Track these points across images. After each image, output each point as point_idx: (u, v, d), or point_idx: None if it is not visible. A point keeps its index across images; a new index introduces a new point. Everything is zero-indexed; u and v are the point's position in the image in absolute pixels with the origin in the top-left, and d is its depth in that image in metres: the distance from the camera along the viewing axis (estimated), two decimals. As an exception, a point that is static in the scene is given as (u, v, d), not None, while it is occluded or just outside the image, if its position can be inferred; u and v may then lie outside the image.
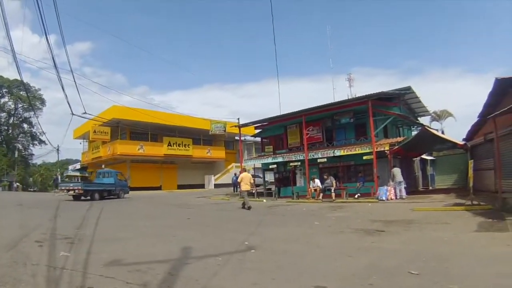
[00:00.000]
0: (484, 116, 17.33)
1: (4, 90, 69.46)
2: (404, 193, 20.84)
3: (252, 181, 21.85)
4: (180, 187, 48.74)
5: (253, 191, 27.89)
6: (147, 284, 5.77)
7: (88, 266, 6.93)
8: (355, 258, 7.50)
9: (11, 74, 62.18)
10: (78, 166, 65.62)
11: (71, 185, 29.46)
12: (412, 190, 24.68)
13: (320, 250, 8.58)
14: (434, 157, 31.79)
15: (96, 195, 28.72)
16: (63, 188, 29.61)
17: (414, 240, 9.13)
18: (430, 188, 30.64)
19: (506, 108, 12.42)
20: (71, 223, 13.65)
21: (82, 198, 27.88)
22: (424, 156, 31.67)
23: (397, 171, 21.13)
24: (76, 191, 27.61)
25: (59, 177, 59.95)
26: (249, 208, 19.20)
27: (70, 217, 16.06)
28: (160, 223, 14.90)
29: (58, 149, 63.20)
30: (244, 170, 22.82)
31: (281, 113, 29.74)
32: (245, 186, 20.07)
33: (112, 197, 30.99)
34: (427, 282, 5.51)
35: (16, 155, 67.72)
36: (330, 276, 6.17)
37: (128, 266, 7.03)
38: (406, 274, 5.93)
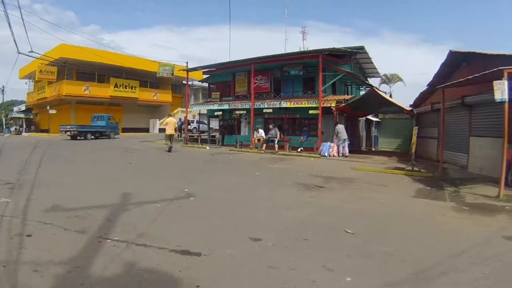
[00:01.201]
0: (434, 86, 17.74)
1: None
2: (347, 151, 20.66)
3: (176, 126, 23.20)
4: (125, 130, 46.29)
5: (178, 135, 30.44)
6: (85, 230, 5.80)
7: (27, 212, 6.85)
8: (293, 211, 7.65)
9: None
10: (23, 107, 62.28)
11: (68, 127, 33.15)
12: (355, 149, 24.54)
13: (259, 201, 8.69)
14: (379, 119, 31.69)
15: (89, 136, 32.86)
16: (62, 130, 33.23)
17: (352, 199, 9.24)
18: (373, 149, 30.77)
19: (456, 81, 12.64)
20: (13, 167, 13.06)
21: (78, 138, 31.92)
22: (369, 117, 31.52)
23: (341, 128, 20.86)
24: (72, 132, 31.96)
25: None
26: (170, 150, 20.98)
27: (12, 161, 15.54)
28: (102, 168, 14.74)
29: (3, 90, 60.32)
30: (169, 115, 24.72)
31: (230, 60, 28.56)
32: (169, 131, 21.42)
33: (104, 137, 34.32)
34: (362, 242, 5.63)
35: (-43, 95, 64.08)
36: (266, 228, 6.27)
37: (68, 212, 6.99)
38: (342, 233, 6.05)
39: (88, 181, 11.07)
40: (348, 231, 6.07)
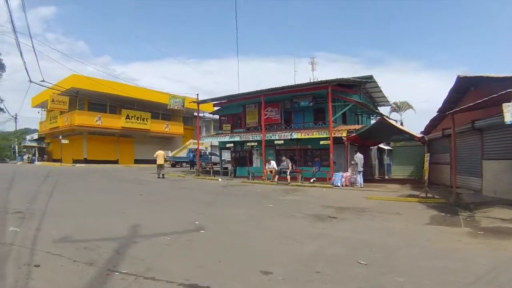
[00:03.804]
0: (444, 112, 17.61)
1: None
2: (361, 181, 20.37)
3: (165, 157, 28.23)
4: (137, 161, 47.07)
5: (165, 165, 31.97)
6: (93, 262, 5.73)
7: (37, 242, 6.86)
8: (304, 244, 7.51)
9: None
10: (35, 136, 62.89)
11: (168, 157, 38.57)
12: (368, 178, 24.25)
13: (270, 234, 8.54)
14: (391, 147, 31.76)
15: (184, 164, 39.10)
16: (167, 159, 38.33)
17: (365, 229, 9.09)
18: (386, 177, 30.60)
19: (465, 106, 12.59)
20: (24, 196, 13.27)
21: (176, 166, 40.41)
22: (381, 146, 31.52)
23: (361, 157, 20.66)
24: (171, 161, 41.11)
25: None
26: (163, 176, 25.55)
27: (23, 190, 15.62)
28: (113, 199, 14.75)
29: (16, 118, 60.84)
30: (159, 149, 27.76)
31: (241, 92, 28.76)
32: (159, 161, 26.16)
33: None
34: (374, 273, 5.51)
35: (-28, 123, 64.92)
36: (277, 261, 6.14)
37: (76, 243, 6.96)
38: (354, 264, 5.92)
39: (98, 212, 11.18)
40: (361, 262, 5.99)
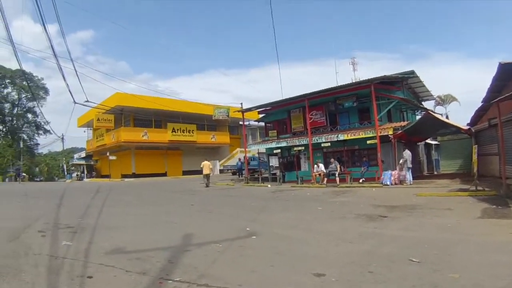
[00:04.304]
0: (488, 101, 17.36)
1: (7, 80, 69.42)
2: (411, 178, 20.49)
3: (211, 167, 29.65)
4: (185, 173, 48.76)
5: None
6: (146, 272, 5.83)
7: (89, 255, 7.03)
8: (356, 244, 7.54)
9: (14, 64, 62.80)
10: (83, 154, 66.04)
11: (229, 166, 43.46)
12: (417, 175, 24.22)
13: (321, 236, 8.57)
14: (438, 141, 31.50)
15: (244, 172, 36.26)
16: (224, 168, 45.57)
17: (417, 226, 9.08)
18: (435, 173, 30.39)
19: (509, 93, 12.16)
20: (75, 212, 13.77)
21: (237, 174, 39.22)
22: (428, 141, 31.44)
23: (409, 154, 20.80)
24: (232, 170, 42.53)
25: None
26: (207, 185, 27.15)
27: (73, 206, 16.23)
28: (163, 210, 15.03)
29: (62, 138, 63.67)
30: (205, 159, 29.76)
31: (284, 98, 29.50)
32: (205, 171, 27.70)
33: (256, 173, 35.13)
34: (427, 270, 5.48)
35: (21, 145, 67.77)
36: (330, 263, 6.16)
37: (129, 254, 7.14)
38: (407, 262, 5.91)
39: (149, 223, 11.51)
40: (413, 259, 5.93)
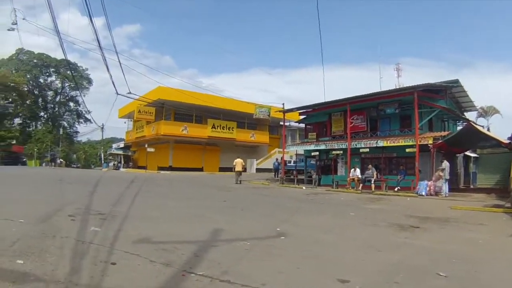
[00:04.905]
0: None
1: (52, 69, 73.68)
2: (447, 190, 20.46)
3: (243, 165, 31.21)
4: (222, 169, 49.05)
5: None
6: (170, 263, 5.92)
7: (116, 242, 7.19)
8: (385, 253, 7.55)
9: (59, 54, 65.06)
10: (121, 144, 68.38)
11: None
12: (453, 187, 23.59)
13: (351, 242, 8.64)
14: (477, 154, 31.00)
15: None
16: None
17: (448, 240, 9.08)
18: (471, 186, 29.85)
19: None
20: (107, 199, 14.06)
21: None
22: (467, 153, 31.06)
23: (448, 165, 20.91)
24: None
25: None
26: (240, 182, 28.49)
27: (107, 194, 16.80)
28: (195, 204, 15.35)
29: (102, 128, 65.87)
30: (238, 157, 30.86)
31: (326, 100, 30.14)
32: (237, 168, 29.22)
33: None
34: (454, 285, 5.50)
35: (61, 132, 70.80)
36: (356, 270, 6.18)
37: (155, 244, 7.30)
38: (434, 276, 5.84)
39: (180, 216, 11.70)
40: (441, 273, 5.84)
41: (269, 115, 48.57)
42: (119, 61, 21.09)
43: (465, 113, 32.81)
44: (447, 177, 20.70)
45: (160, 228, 9.15)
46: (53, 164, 61.60)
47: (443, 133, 24.14)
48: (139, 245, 7.13)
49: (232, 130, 50.47)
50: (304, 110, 33.65)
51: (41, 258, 5.68)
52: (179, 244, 7.38)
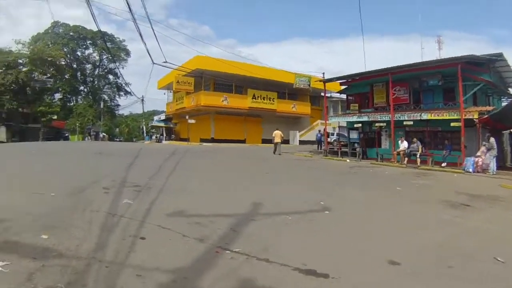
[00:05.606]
0: None
1: (88, 41, 74.86)
2: (495, 168, 20.22)
3: (282, 136, 31.64)
4: (265, 141, 48.73)
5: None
6: (204, 238, 5.91)
7: (148, 215, 7.21)
8: (435, 232, 7.49)
9: (95, 26, 65.91)
10: (163, 117, 69.93)
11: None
12: (500, 165, 23.02)
13: (399, 219, 8.69)
14: None
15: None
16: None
17: (499, 220, 9.00)
18: None
19: None
20: (145, 172, 14.16)
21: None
22: None
23: (494, 141, 20.69)
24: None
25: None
26: (280, 154, 29.03)
27: (145, 166, 16.71)
28: (236, 176, 15.94)
29: (142, 100, 67.51)
30: (277, 129, 31.58)
31: (367, 70, 29.93)
32: (276, 139, 30.29)
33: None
34: None
35: (102, 105, 72.87)
36: (405, 250, 6.13)
37: (190, 218, 7.28)
38: (490, 260, 5.69)
39: (219, 188, 11.83)
40: (498, 259, 5.66)
41: (309, 85, 48.47)
42: (152, 28, 21.92)
43: (510, 89, 32.25)
44: (496, 154, 20.55)
45: (196, 201, 9.29)
46: (90, 137, 63.56)
47: (488, 108, 23.78)
48: (172, 218, 7.22)
49: (273, 101, 50.29)
50: (345, 80, 33.59)
51: (67, 233, 5.80)
52: (215, 217, 7.46)
